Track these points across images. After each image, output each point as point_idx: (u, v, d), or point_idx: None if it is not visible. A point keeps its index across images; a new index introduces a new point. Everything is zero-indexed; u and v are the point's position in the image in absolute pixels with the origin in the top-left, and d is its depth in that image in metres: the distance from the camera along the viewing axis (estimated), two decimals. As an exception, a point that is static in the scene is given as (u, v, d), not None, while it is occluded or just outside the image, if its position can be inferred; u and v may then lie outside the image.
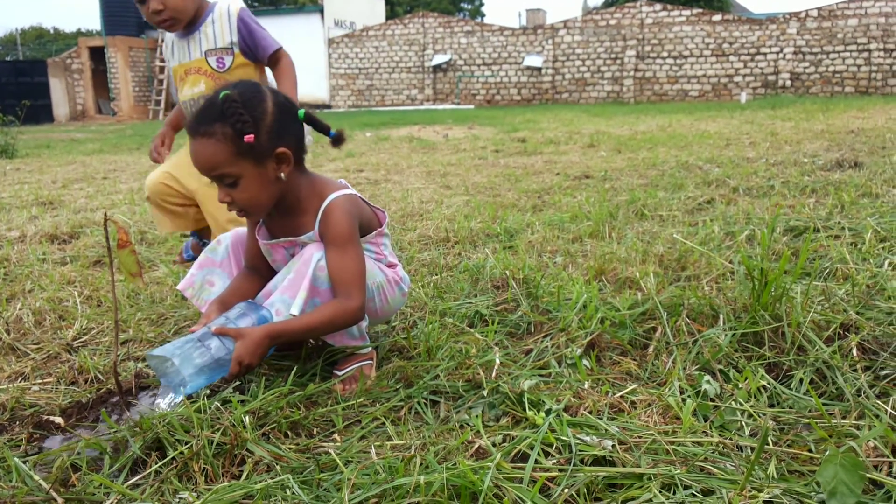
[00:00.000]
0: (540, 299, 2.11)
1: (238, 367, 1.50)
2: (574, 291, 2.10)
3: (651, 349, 1.75)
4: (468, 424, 1.40)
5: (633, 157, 6.78)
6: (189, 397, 1.47)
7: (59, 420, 1.47)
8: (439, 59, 24.44)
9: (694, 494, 1.12)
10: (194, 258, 2.28)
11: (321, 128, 1.68)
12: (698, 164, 5.62)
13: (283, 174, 1.61)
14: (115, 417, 1.54)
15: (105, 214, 1.43)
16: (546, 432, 1.27)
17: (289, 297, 1.59)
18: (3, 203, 4.83)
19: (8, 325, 2.15)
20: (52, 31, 49.84)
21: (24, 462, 1.29)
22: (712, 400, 1.46)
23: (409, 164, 6.90)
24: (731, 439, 1.30)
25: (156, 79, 25.34)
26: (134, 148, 10.04)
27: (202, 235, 2.56)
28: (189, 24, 2.09)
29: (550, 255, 2.89)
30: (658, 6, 21.79)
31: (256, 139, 1.54)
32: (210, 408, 1.42)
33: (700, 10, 21.60)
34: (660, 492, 1.11)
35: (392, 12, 39.67)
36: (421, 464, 1.21)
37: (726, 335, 1.70)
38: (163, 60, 25.44)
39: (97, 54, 25.53)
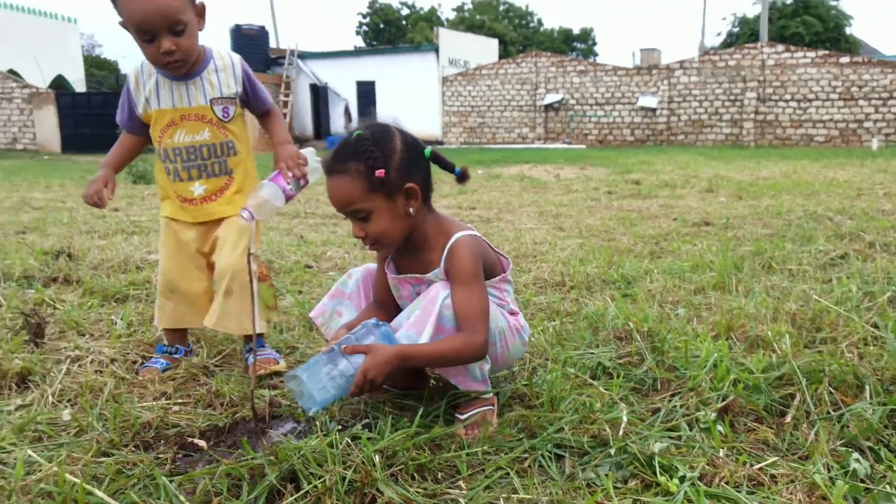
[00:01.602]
0: (666, 354, 2.05)
1: (363, 379, 1.53)
2: (702, 349, 2.02)
3: (789, 418, 1.66)
4: (596, 484, 1.37)
5: (755, 204, 6.53)
6: (324, 431, 1.51)
7: (202, 443, 1.55)
8: (551, 98, 24.49)
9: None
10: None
11: (446, 165, 1.75)
12: (828, 215, 5.34)
13: (412, 209, 1.69)
14: (251, 444, 1.60)
15: (248, 249, 1.52)
16: (683, 502, 1.23)
17: (414, 334, 1.63)
18: (143, 226, 5.17)
19: (148, 345, 2.30)
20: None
21: (171, 482, 1.37)
22: (862, 481, 1.36)
23: (520, 204, 6.91)
24: (885, 525, 1.21)
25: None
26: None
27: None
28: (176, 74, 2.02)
29: (672, 307, 2.81)
30: (780, 47, 21.06)
31: (387, 174, 1.63)
32: (341, 443, 1.45)
33: (826, 52, 20.71)
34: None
35: (505, 51, 40.22)
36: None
37: (875, 410, 1.59)
38: (287, 95, 26.75)
39: (227, 88, 27.09)
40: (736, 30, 37.93)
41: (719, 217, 5.58)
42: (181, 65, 1.93)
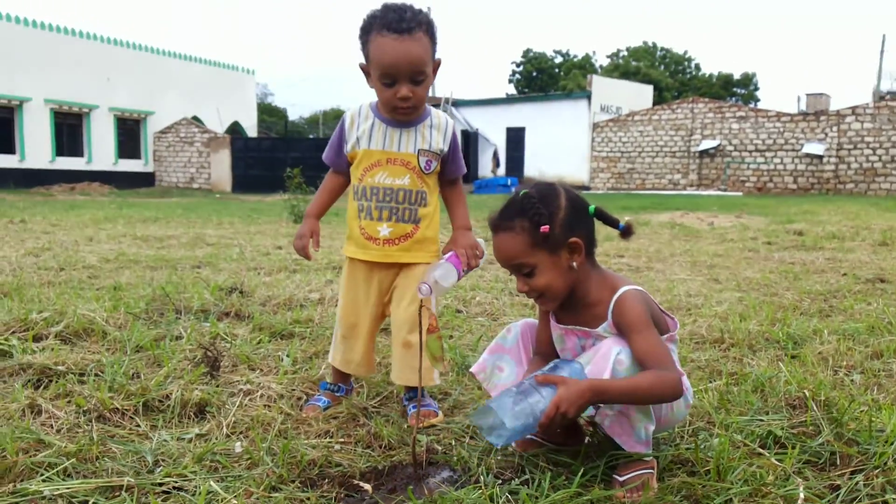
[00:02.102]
0: (845, 426, 1.89)
1: (555, 412, 1.53)
2: (888, 422, 1.85)
3: None
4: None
5: (938, 261, 5.95)
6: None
7: (367, 487, 1.60)
8: (707, 144, 23.68)
9: None
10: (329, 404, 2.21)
11: (611, 221, 1.78)
12: None
13: (575, 263, 1.72)
14: (413, 491, 1.64)
15: (421, 302, 1.57)
16: None
17: None
18: (303, 265, 5.48)
19: (312, 383, 2.42)
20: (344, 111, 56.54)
21: (335, 521, 1.42)
22: None
23: (671, 252, 6.69)
24: None
25: (430, 156, 27.55)
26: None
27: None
28: (402, 119, 2.11)
29: (846, 372, 2.60)
30: (971, 90, 19.22)
31: (551, 230, 1.68)
32: (501, 497, 1.45)
33: None
34: None
35: (660, 98, 39.48)
36: None
37: None
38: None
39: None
40: (916, 71, 35.09)
41: (897, 273, 5.13)
42: (412, 111, 2.06)
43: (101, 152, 27.20)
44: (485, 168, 28.50)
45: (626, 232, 1.78)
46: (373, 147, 2.10)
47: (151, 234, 8.01)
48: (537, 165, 27.39)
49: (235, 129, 31.49)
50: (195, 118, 29.37)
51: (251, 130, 32.42)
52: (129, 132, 28.42)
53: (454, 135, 2.18)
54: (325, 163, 2.22)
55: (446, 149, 2.16)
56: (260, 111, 37.32)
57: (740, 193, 22.05)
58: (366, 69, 2.03)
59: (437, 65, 2.04)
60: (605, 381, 1.59)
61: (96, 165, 26.86)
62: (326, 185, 2.24)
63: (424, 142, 2.11)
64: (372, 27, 1.95)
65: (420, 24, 1.94)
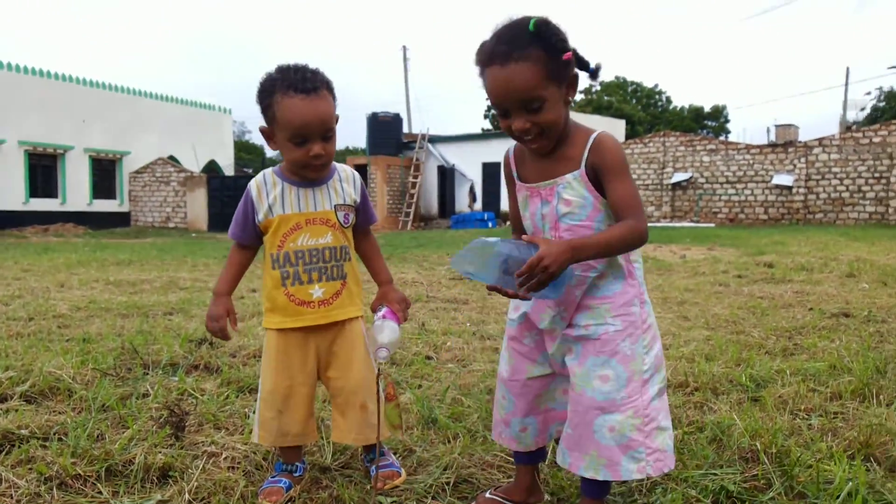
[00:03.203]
0: (795, 479, 1.94)
1: (538, 262, 1.54)
2: (836, 473, 1.90)
3: (933, 561, 1.53)
4: None
5: (902, 293, 6.09)
6: None
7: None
8: (679, 176, 24.06)
9: None
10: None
11: (583, 64, 1.70)
12: None
13: (571, 98, 1.70)
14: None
15: (378, 369, 1.60)
16: None
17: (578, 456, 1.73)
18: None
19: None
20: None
21: None
22: None
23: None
24: None
25: (407, 193, 27.71)
26: (385, 257, 10.93)
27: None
28: (313, 178, 2.10)
29: (805, 416, 2.66)
30: (933, 121, 19.78)
31: (573, 57, 1.64)
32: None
33: None
34: None
35: (633, 131, 40.11)
36: None
37: None
38: (416, 176, 27.80)
39: (360, 170, 28.60)
40: (882, 104, 36.06)
41: (861, 307, 5.24)
42: (323, 168, 2.06)
43: (76, 193, 27.04)
44: (461, 203, 28.68)
45: (595, 73, 1.70)
46: (288, 211, 2.07)
47: (124, 278, 7.96)
48: (514, 199, 27.61)
49: (212, 168, 31.47)
50: (171, 157, 29.35)
51: (228, 169, 32.41)
52: (104, 172, 28.30)
53: (362, 184, 2.21)
54: (230, 237, 2.16)
55: (358, 199, 2.17)
56: (237, 148, 37.37)
57: (713, 225, 22.36)
58: (268, 132, 2.02)
59: (337, 118, 2.05)
60: (583, 238, 1.63)
61: (71, 206, 26.68)
62: (234, 259, 2.16)
63: (338, 196, 2.11)
64: (275, 89, 1.95)
65: (323, 83, 1.97)
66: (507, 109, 1.67)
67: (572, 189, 1.71)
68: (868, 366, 3.29)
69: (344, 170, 2.18)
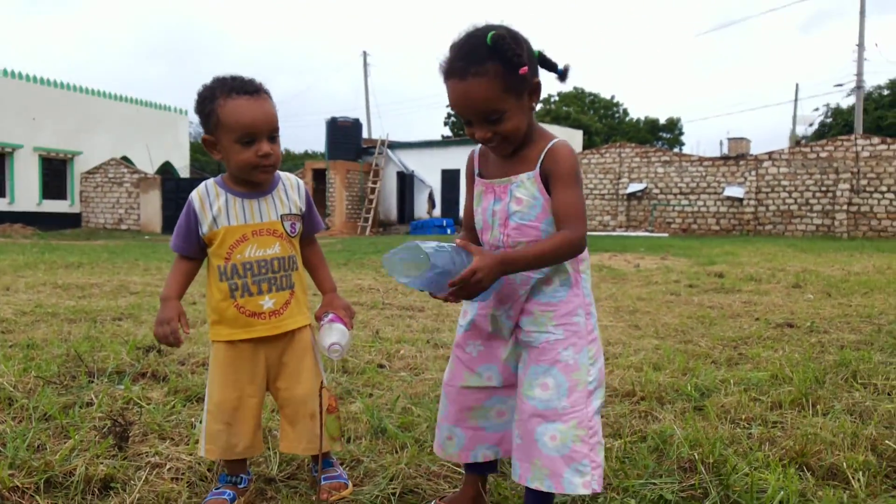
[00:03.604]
0: (731, 488, 2.00)
1: (470, 275, 1.57)
2: (770, 482, 1.97)
3: (857, 567, 1.60)
4: None
5: (844, 303, 6.29)
6: None
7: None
8: (634, 187, 24.46)
9: None
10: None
11: (551, 66, 1.75)
12: (923, 321, 5.09)
13: (534, 104, 1.74)
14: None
15: (322, 383, 1.61)
16: None
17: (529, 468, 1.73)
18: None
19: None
20: (284, 152, 56.27)
21: None
22: None
23: (597, 297, 6.86)
24: None
25: (367, 198, 27.62)
26: (342, 263, 10.89)
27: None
28: (259, 186, 2.08)
29: (745, 425, 2.74)
30: (876, 139, 20.52)
31: (529, 72, 1.67)
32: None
33: (926, 143, 20.01)
34: None
35: (590, 142, 40.65)
36: None
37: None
38: (375, 182, 27.72)
39: (319, 175, 28.43)
40: (829, 120, 37.19)
41: (805, 318, 5.40)
42: (271, 170, 2.03)
43: (25, 193, 26.32)
44: (420, 209, 28.70)
45: (564, 75, 1.75)
46: (234, 223, 2.04)
47: (73, 281, 7.78)
48: (473, 206, 27.74)
49: (167, 170, 30.93)
50: (125, 158, 28.78)
51: (184, 171, 31.90)
52: (55, 172, 27.61)
53: (307, 192, 2.19)
54: (172, 249, 2.11)
55: (304, 207, 2.16)
56: (193, 150, 36.77)
57: (666, 234, 22.77)
58: (211, 141, 2.00)
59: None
60: (514, 252, 1.68)
61: (19, 206, 25.96)
62: (179, 268, 2.10)
63: (284, 206, 2.10)
64: (215, 96, 1.94)
65: (262, 87, 1.99)
66: (468, 119, 1.72)
67: (525, 188, 1.75)
68: (808, 376, 3.39)
69: (288, 178, 2.17)
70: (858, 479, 2.06)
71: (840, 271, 9.32)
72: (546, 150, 1.74)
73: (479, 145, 1.87)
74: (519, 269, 1.68)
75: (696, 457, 2.23)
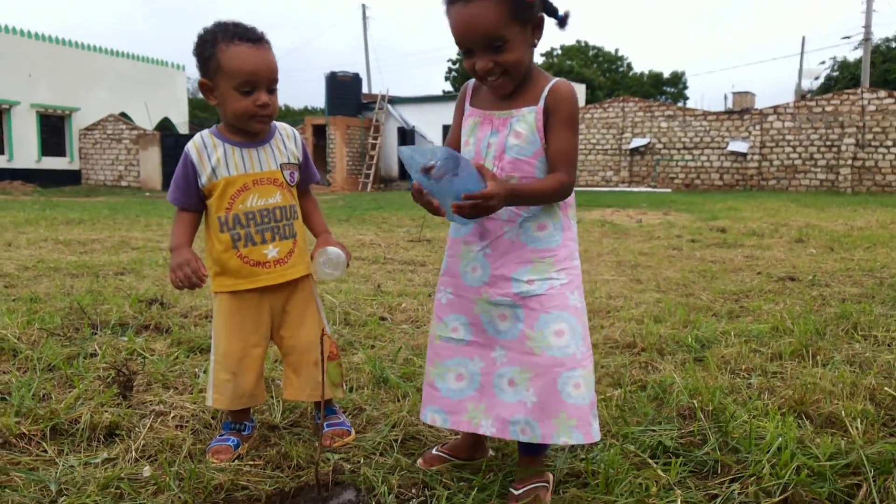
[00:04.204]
0: (730, 435, 2.01)
1: (486, 198, 1.54)
2: (768, 429, 1.98)
3: (853, 510, 1.62)
4: (644, 572, 1.37)
5: (847, 257, 6.29)
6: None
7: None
8: (637, 142, 24.27)
9: None
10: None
11: (552, 11, 1.71)
12: (925, 275, 5.08)
13: (536, 41, 1.70)
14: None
15: (323, 331, 1.61)
16: None
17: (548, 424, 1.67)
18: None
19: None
20: (283, 108, 55.81)
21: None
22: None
23: (598, 252, 6.87)
24: None
25: (367, 154, 27.46)
26: (343, 219, 10.88)
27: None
28: (256, 135, 2.06)
29: (745, 375, 2.75)
30: (883, 93, 20.26)
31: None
32: (396, 519, 1.51)
33: (934, 96, 19.78)
34: None
35: (593, 96, 40.20)
36: None
37: (945, 508, 1.53)
38: (375, 138, 27.53)
39: (319, 131, 28.19)
40: (835, 74, 36.71)
41: (807, 272, 5.40)
42: (268, 121, 2.03)
43: (24, 150, 26.16)
44: (422, 165, 28.55)
45: (564, 22, 1.72)
46: (234, 173, 2.02)
47: (74, 237, 7.78)
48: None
49: (166, 126, 30.69)
50: (123, 114, 28.52)
51: (182, 127, 31.65)
52: (53, 129, 27.39)
53: (303, 142, 2.18)
54: (171, 202, 2.07)
55: (301, 157, 2.15)
56: (192, 106, 36.45)
57: (669, 190, 22.68)
58: (209, 85, 1.98)
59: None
60: (522, 185, 1.67)
61: (18, 163, 25.82)
62: (182, 220, 2.07)
63: (283, 155, 2.09)
64: (217, 40, 1.92)
65: (265, 36, 1.96)
66: (470, 48, 1.66)
67: (525, 123, 1.71)
68: (808, 328, 3.41)
69: (284, 128, 2.15)
70: (856, 427, 2.08)
71: (843, 226, 9.30)
72: (549, 86, 1.71)
73: (473, 80, 1.82)
74: (521, 203, 1.68)
75: (696, 405, 2.25)
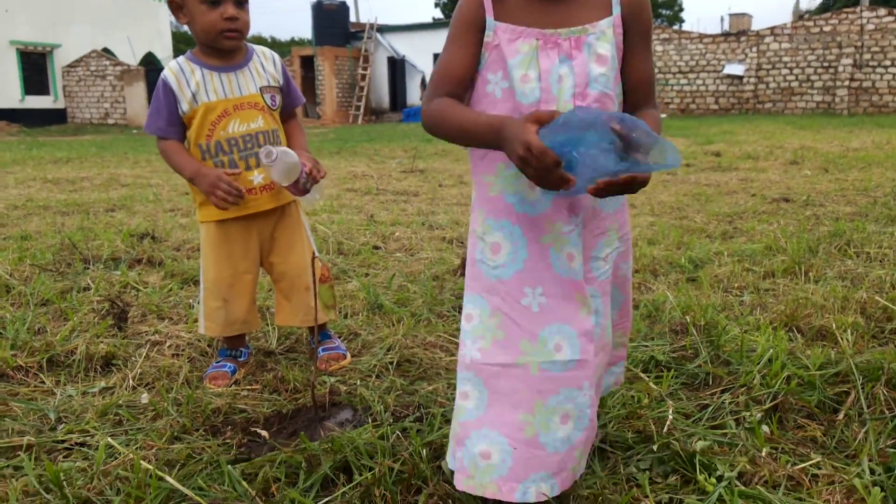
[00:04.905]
0: (722, 348, 2.04)
1: (635, 178, 1.10)
2: (759, 342, 2.00)
3: (841, 416, 1.64)
4: (635, 479, 1.40)
5: (841, 178, 6.27)
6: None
7: (263, 433, 1.66)
8: (632, 66, 23.87)
9: None
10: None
11: None
12: (919, 192, 5.08)
13: None
14: (309, 434, 1.70)
15: (313, 253, 1.60)
16: (716, 502, 1.25)
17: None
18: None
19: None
20: (269, 40, 54.51)
21: (234, 468, 1.48)
22: (907, 486, 1.35)
23: (593, 179, 6.83)
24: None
25: (357, 86, 26.99)
26: (335, 152, 10.77)
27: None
28: (233, 58, 2.00)
29: (737, 293, 2.77)
30: (882, 11, 19.82)
31: None
32: (392, 436, 1.53)
33: (934, 14, 19.39)
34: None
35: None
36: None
37: (931, 411, 1.56)
38: (365, 68, 27.00)
39: (307, 62, 27.60)
40: (835, -9, 35.86)
41: (801, 193, 5.39)
42: (239, 37, 1.95)
43: (6, 89, 25.63)
44: (413, 96, 28.11)
45: None
46: (213, 98, 1.96)
47: (63, 176, 7.70)
48: (466, 92, 27.11)
49: (150, 61, 30.01)
50: (106, 50, 27.85)
51: (167, 61, 30.89)
52: (34, 67, 26.76)
53: (283, 64, 2.12)
54: (152, 134, 2.00)
55: (282, 80, 2.09)
56: (175, 40, 35.53)
57: (665, 115, 22.44)
58: (177, 2, 1.91)
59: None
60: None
61: (2, 103, 25.33)
62: (177, 148, 2.00)
63: (262, 78, 2.03)
64: None
65: None
66: None
67: (607, 42, 1.25)
68: (801, 246, 3.41)
69: (263, 51, 2.09)
70: (846, 339, 2.10)
71: (838, 147, 9.24)
72: None
73: None
74: None
75: (688, 321, 2.26)
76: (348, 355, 2.17)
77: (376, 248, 3.79)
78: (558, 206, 1.26)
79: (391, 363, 2.10)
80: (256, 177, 2.01)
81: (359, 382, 1.97)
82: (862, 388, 1.72)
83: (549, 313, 1.25)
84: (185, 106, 1.97)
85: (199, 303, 2.17)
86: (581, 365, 1.25)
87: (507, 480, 1.22)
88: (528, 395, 1.24)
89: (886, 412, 1.63)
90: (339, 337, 2.33)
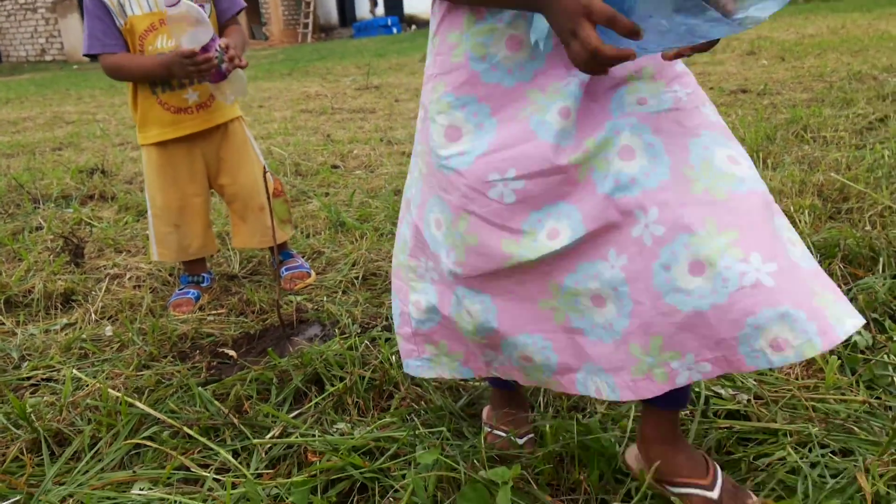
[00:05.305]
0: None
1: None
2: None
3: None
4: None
5: (798, 65, 6.26)
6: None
7: (232, 353, 1.65)
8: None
9: (831, 455, 1.10)
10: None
11: None
12: (873, 74, 5.10)
13: None
14: (278, 351, 1.70)
15: (264, 168, 1.55)
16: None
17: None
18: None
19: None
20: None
21: (205, 389, 1.47)
22: (862, 352, 1.40)
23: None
24: (879, 398, 1.25)
25: (303, 2, 26.01)
26: (286, 73, 10.45)
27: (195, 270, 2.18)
28: None
29: (697, 185, 2.79)
30: None
31: None
32: (360, 346, 1.53)
33: None
34: (794, 450, 1.10)
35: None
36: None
37: (885, 282, 1.60)
38: (310, -17, 25.93)
39: (249, -19, 26.45)
40: None
41: (758, 83, 5.38)
42: None
43: (-68, 29, 24.27)
44: (362, 9, 27.19)
45: None
46: (137, 12, 1.86)
47: (3, 117, 7.38)
48: (419, 1, 26.32)
49: (84, -10, 28.51)
50: (34, -20, 26.33)
51: (102, -11, 29.45)
52: (-41, 3, 25.29)
53: None
54: (97, 52, 1.90)
55: None
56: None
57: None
58: None
59: None
60: None
61: (-71, 45, 24.04)
62: (125, 56, 1.90)
63: None
64: None
65: None
66: None
67: None
68: (759, 134, 3.43)
69: None
70: (804, 220, 2.13)
71: (794, 35, 9.21)
72: None
73: None
74: None
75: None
76: (312, 273, 2.16)
77: (335, 167, 3.72)
78: (554, 61, 0.93)
79: (356, 278, 2.09)
80: (191, 94, 1.94)
81: (325, 299, 1.97)
82: (820, 265, 1.76)
83: (531, 199, 0.93)
84: (119, 19, 1.88)
85: (149, 230, 2.12)
86: (595, 234, 0.91)
87: (562, 374, 0.99)
88: (538, 279, 0.96)
89: (842, 286, 1.67)
90: (303, 256, 2.30)
